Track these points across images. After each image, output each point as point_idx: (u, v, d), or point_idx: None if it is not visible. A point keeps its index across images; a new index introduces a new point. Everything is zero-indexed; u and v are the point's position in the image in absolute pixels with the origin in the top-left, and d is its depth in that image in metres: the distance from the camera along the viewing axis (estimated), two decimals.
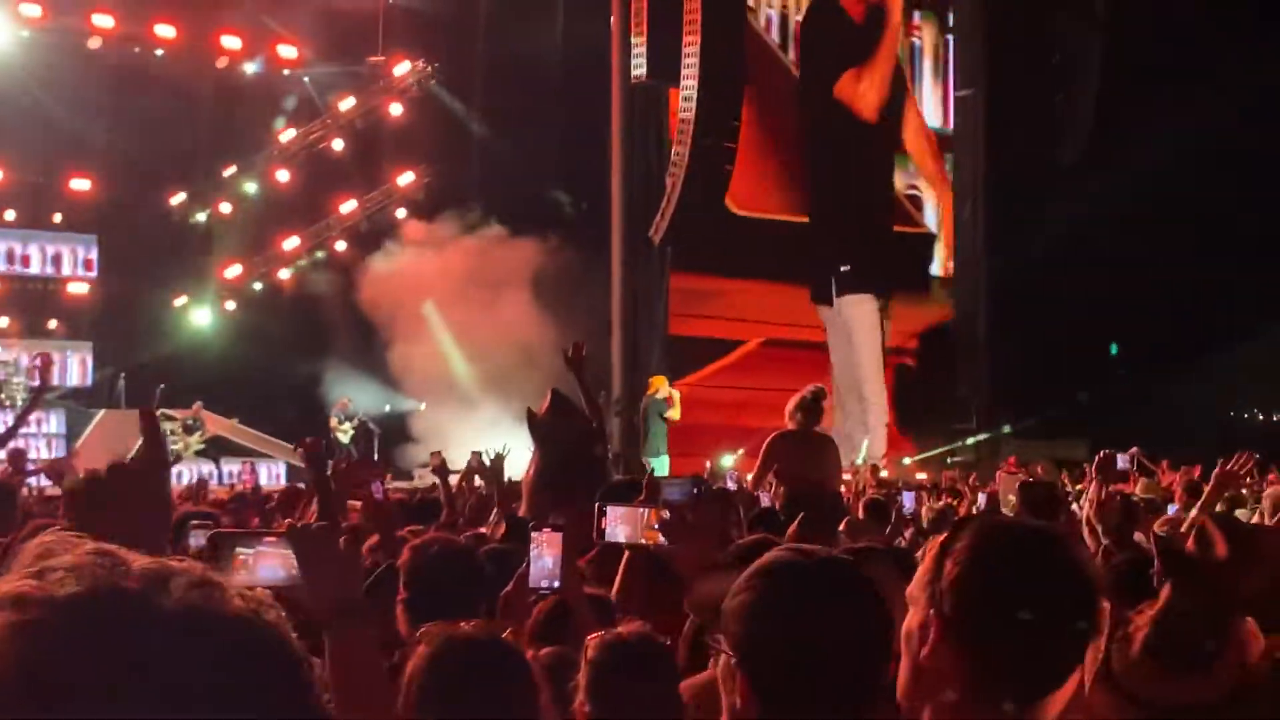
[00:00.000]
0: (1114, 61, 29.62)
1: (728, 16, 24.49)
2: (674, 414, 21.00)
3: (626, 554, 4.36)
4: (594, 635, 3.33)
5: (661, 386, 21.40)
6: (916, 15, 29.29)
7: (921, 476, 20.86)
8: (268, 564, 2.77)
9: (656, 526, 3.51)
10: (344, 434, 22.03)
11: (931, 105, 29.93)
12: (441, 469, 8.63)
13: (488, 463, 7.83)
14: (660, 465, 18.45)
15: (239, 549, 2.82)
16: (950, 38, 30.24)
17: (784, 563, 2.13)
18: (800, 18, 26.80)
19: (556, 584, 3.87)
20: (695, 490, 5.02)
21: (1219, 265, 30.20)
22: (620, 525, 3.65)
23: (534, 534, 3.95)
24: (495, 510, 7.70)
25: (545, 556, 3.88)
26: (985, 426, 28.77)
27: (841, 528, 7.05)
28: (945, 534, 2.07)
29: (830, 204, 26.26)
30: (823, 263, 26.10)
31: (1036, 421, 27.94)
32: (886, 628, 2.10)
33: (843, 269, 25.99)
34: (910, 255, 28.30)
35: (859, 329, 26.00)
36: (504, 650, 3.02)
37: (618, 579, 4.40)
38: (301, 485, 10.62)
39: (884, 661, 2.08)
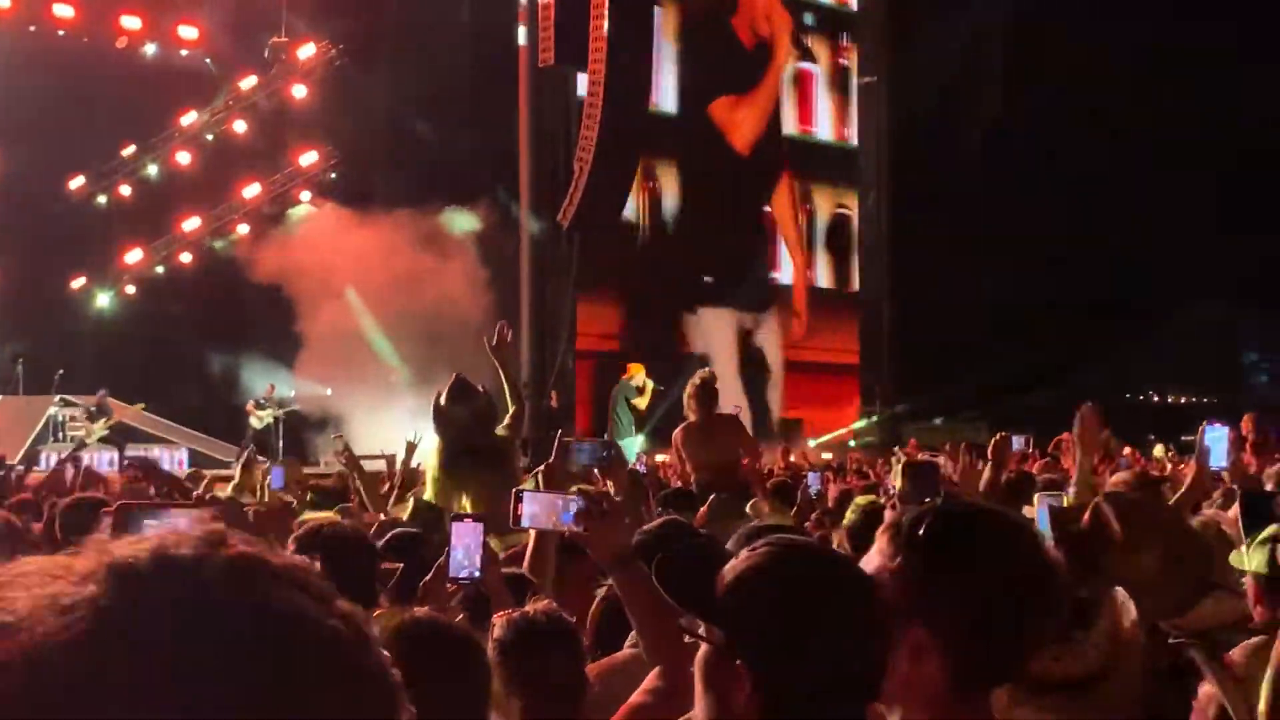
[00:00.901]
0: (1017, 50, 29.99)
1: (636, 5, 24.48)
2: (641, 402, 21.04)
3: (534, 534, 4.38)
4: (500, 614, 3.35)
5: (637, 375, 21.46)
6: (806, 64, 29.58)
7: (827, 457, 21.06)
8: None
9: (573, 514, 3.51)
10: (259, 420, 21.77)
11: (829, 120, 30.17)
12: (347, 454, 8.58)
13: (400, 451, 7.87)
14: (629, 447, 18.46)
15: (146, 522, 2.78)
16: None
17: (789, 554, 2.05)
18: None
19: (476, 573, 3.88)
20: (605, 454, 5.00)
21: (1118, 251, 30.77)
22: (536, 512, 3.65)
23: (454, 524, 3.94)
24: (395, 494, 7.72)
25: (464, 546, 3.88)
26: (889, 409, 29.11)
27: (749, 509, 7.14)
28: (892, 530, 2.07)
29: (697, 217, 26.51)
30: (688, 271, 26.37)
31: (938, 404, 28.33)
32: (879, 622, 2.04)
33: (705, 279, 26.16)
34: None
35: (715, 341, 26.13)
36: (458, 636, 3.01)
37: (526, 559, 4.42)
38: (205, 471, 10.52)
39: (881, 656, 2.02)
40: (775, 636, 1.97)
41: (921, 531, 2.03)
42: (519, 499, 3.67)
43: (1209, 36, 30.81)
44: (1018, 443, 9.68)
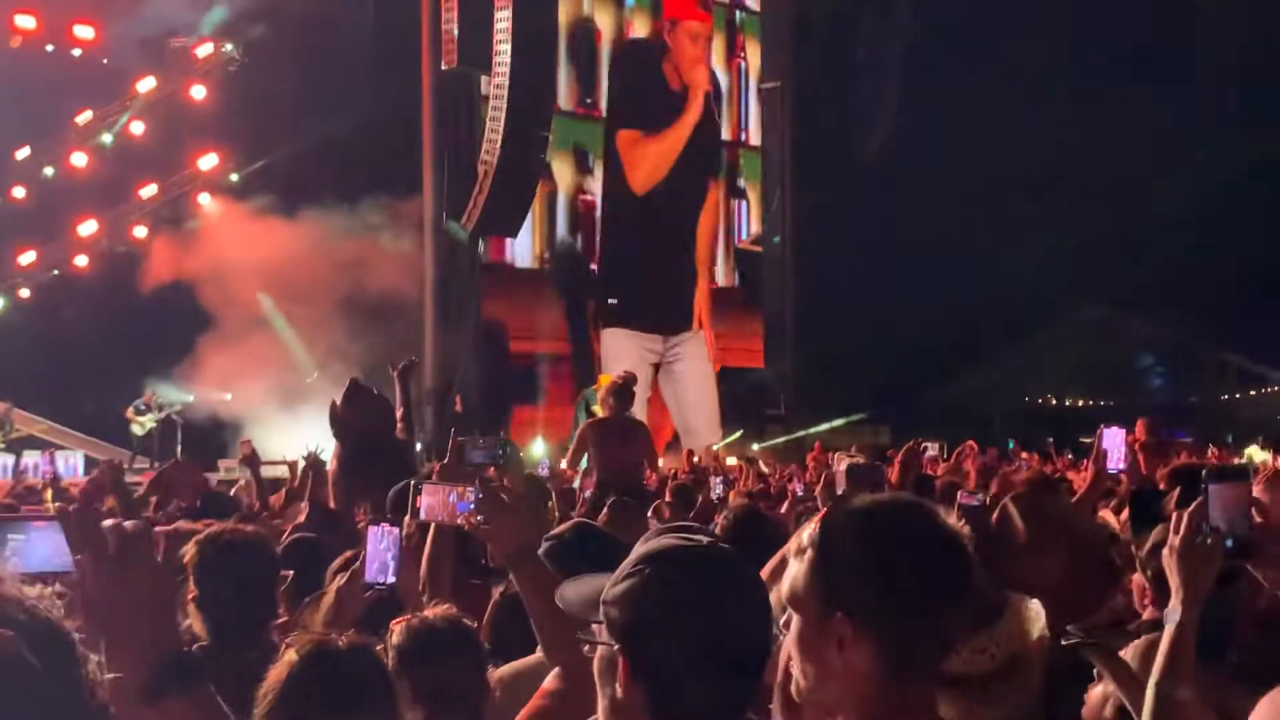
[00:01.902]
0: (916, 56, 30.39)
1: (539, 3, 24.43)
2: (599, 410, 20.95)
3: (430, 539, 4.34)
4: (398, 620, 3.30)
5: (605, 385, 21.31)
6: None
7: (732, 462, 21.12)
8: (40, 549, 2.67)
9: (470, 505, 3.47)
10: (140, 426, 21.43)
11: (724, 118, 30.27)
12: (251, 459, 8.47)
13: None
14: None
15: (9, 535, 2.71)
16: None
17: (670, 548, 2.09)
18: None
19: (391, 579, 3.84)
20: (500, 452, 4.97)
21: (1016, 258, 31.23)
22: (434, 504, 3.61)
23: (370, 529, 3.89)
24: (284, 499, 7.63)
25: (382, 552, 3.84)
26: (793, 414, 29.30)
27: (650, 514, 7.15)
28: (811, 533, 2.09)
29: (609, 239, 26.70)
30: (598, 290, 26.56)
31: (842, 408, 28.57)
32: (769, 616, 2.10)
33: (610, 301, 26.24)
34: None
35: (616, 362, 25.99)
36: (375, 664, 2.94)
37: (423, 565, 4.38)
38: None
39: (767, 649, 2.09)
40: (644, 628, 2.02)
41: (826, 524, 2.07)
42: (418, 491, 3.64)
43: (1093, 47, 31.47)
44: (932, 449, 9.83)
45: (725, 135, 29.81)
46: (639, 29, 27.76)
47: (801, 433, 27.64)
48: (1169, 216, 33.08)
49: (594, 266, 26.87)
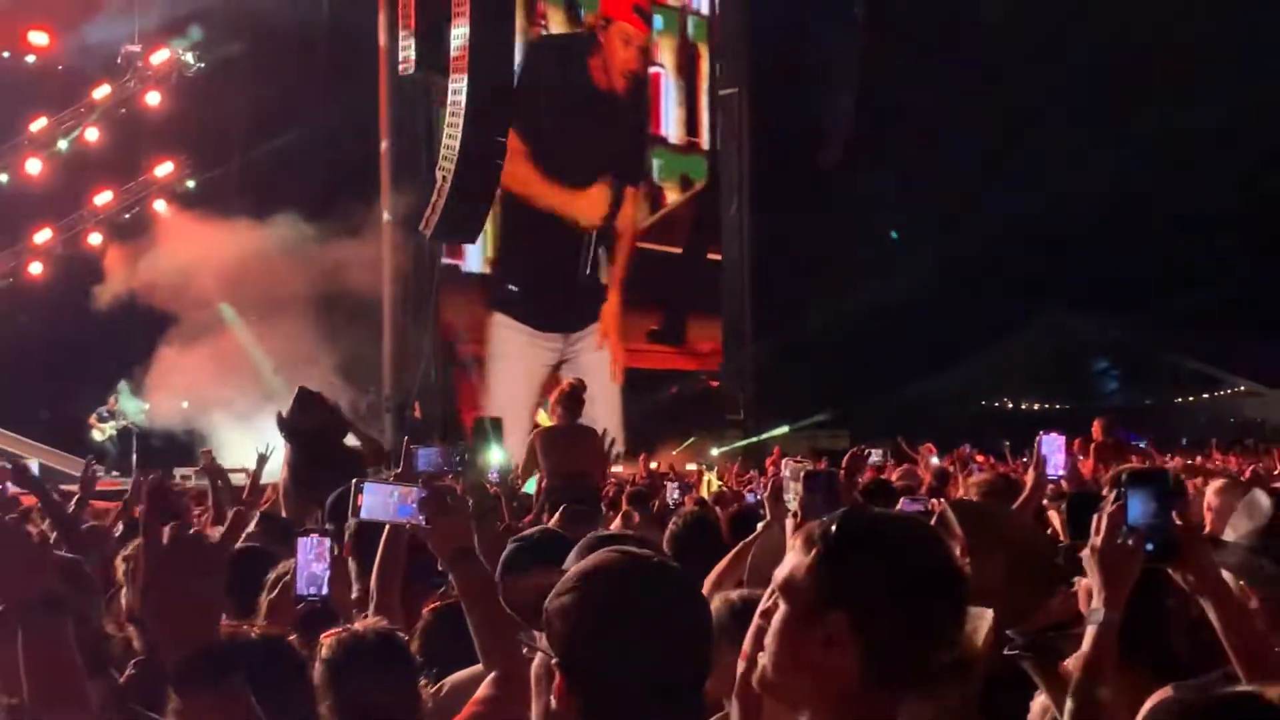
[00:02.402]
0: (873, 66, 30.54)
1: (497, 7, 24.39)
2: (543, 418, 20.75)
3: (382, 547, 4.32)
4: (328, 633, 3.28)
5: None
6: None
7: (691, 467, 21.13)
8: None
9: (413, 505, 3.43)
10: (100, 433, 21.30)
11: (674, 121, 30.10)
12: (211, 468, 8.43)
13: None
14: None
15: None
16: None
17: (611, 565, 2.10)
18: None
19: (325, 590, 3.81)
20: (459, 459, 4.92)
21: (974, 265, 31.43)
22: (374, 504, 3.56)
23: (300, 540, 3.84)
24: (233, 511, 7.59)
25: (312, 563, 3.80)
26: (752, 419, 29.36)
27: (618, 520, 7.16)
28: (820, 530, 2.12)
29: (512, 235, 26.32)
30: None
31: (800, 413, 28.65)
32: (710, 633, 2.12)
33: (510, 287, 25.85)
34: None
35: (504, 359, 25.74)
36: (286, 649, 2.93)
37: (373, 575, 4.38)
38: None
39: (707, 666, 2.09)
40: (583, 642, 2.02)
41: (845, 524, 2.10)
42: (359, 490, 3.56)
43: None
44: (875, 455, 9.89)
45: (675, 139, 29.77)
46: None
47: (758, 438, 27.74)
48: (1123, 221, 33.40)
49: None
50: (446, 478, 4.69)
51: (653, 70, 29.16)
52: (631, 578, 2.08)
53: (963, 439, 25.95)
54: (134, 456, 21.20)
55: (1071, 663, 3.05)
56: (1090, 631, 2.70)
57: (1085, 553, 2.75)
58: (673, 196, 29.74)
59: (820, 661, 2.01)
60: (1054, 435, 5.74)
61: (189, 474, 18.97)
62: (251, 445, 8.61)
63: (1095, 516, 2.76)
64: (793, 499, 6.23)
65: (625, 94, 27.63)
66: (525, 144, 25.93)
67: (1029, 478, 5.89)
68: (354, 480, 3.62)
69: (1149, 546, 2.69)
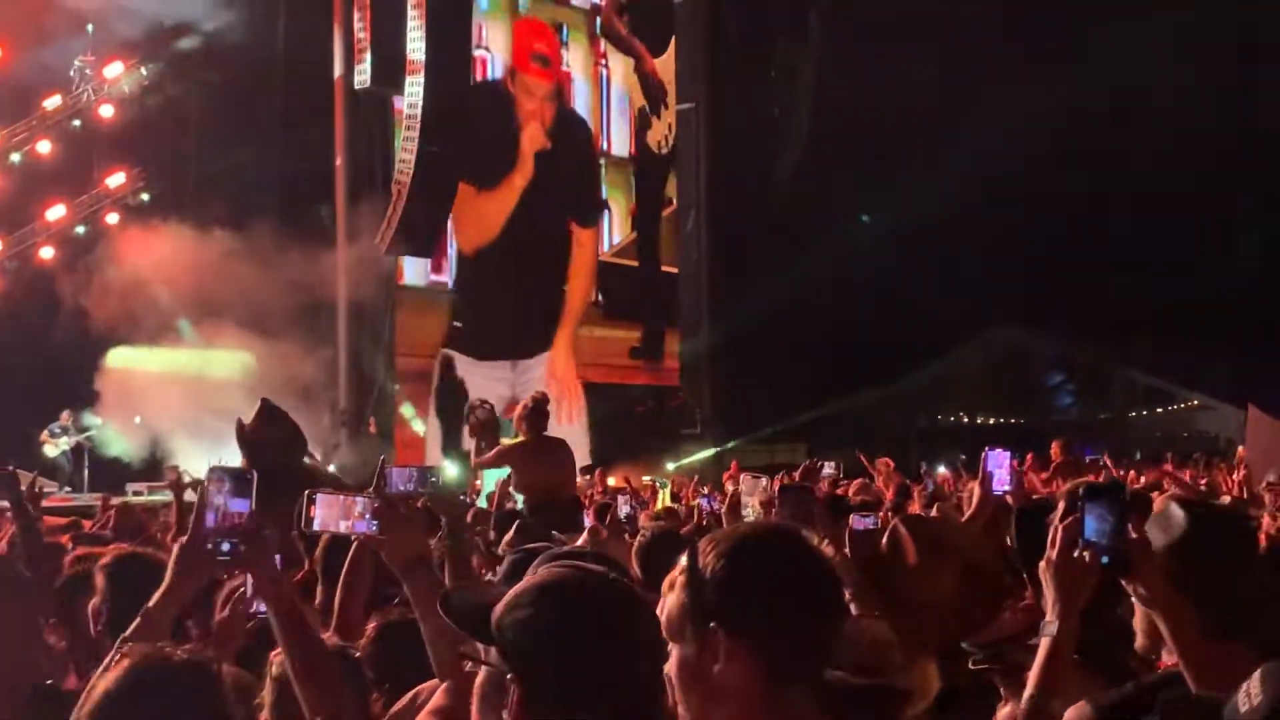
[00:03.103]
0: (828, 79, 30.70)
1: (453, 22, 24.38)
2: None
3: (348, 565, 4.28)
4: (278, 650, 3.21)
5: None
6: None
7: (647, 480, 21.13)
8: None
9: (365, 515, 3.38)
10: (54, 449, 21.10)
11: (621, 134, 30.00)
12: (177, 484, 8.34)
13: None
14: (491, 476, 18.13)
15: None
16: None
17: (566, 579, 2.14)
18: None
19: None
20: (432, 479, 4.87)
21: (930, 279, 31.61)
22: (326, 516, 3.50)
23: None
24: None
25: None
26: (709, 433, 29.41)
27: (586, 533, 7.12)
28: (683, 565, 2.15)
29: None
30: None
31: (758, 426, 28.72)
32: (662, 646, 2.13)
33: (455, 324, 25.32)
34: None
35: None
36: (209, 675, 2.84)
37: (338, 591, 4.33)
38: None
39: (660, 679, 2.11)
40: (541, 658, 2.05)
41: (709, 545, 2.15)
42: (310, 501, 3.50)
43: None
44: (829, 468, 9.99)
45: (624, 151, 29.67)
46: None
47: (714, 451, 27.79)
48: (1077, 238, 33.67)
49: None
50: (420, 499, 4.64)
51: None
52: (586, 592, 2.11)
53: (917, 452, 26.22)
54: (85, 473, 21.03)
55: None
56: (1043, 644, 2.71)
57: (1041, 565, 2.76)
58: (620, 210, 29.82)
59: (720, 681, 2.05)
60: (999, 451, 5.85)
61: (141, 489, 18.84)
62: (206, 460, 8.53)
63: (1051, 530, 2.77)
64: (750, 512, 6.23)
65: (527, 151, 26.73)
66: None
67: (975, 492, 5.95)
68: (305, 491, 3.55)
69: (1104, 560, 2.70)
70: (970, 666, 3.09)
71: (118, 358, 21.50)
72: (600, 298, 28.75)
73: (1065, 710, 2.53)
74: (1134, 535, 2.72)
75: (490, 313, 25.27)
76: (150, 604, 2.96)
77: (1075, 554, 2.71)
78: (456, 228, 25.51)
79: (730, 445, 28.03)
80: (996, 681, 3.03)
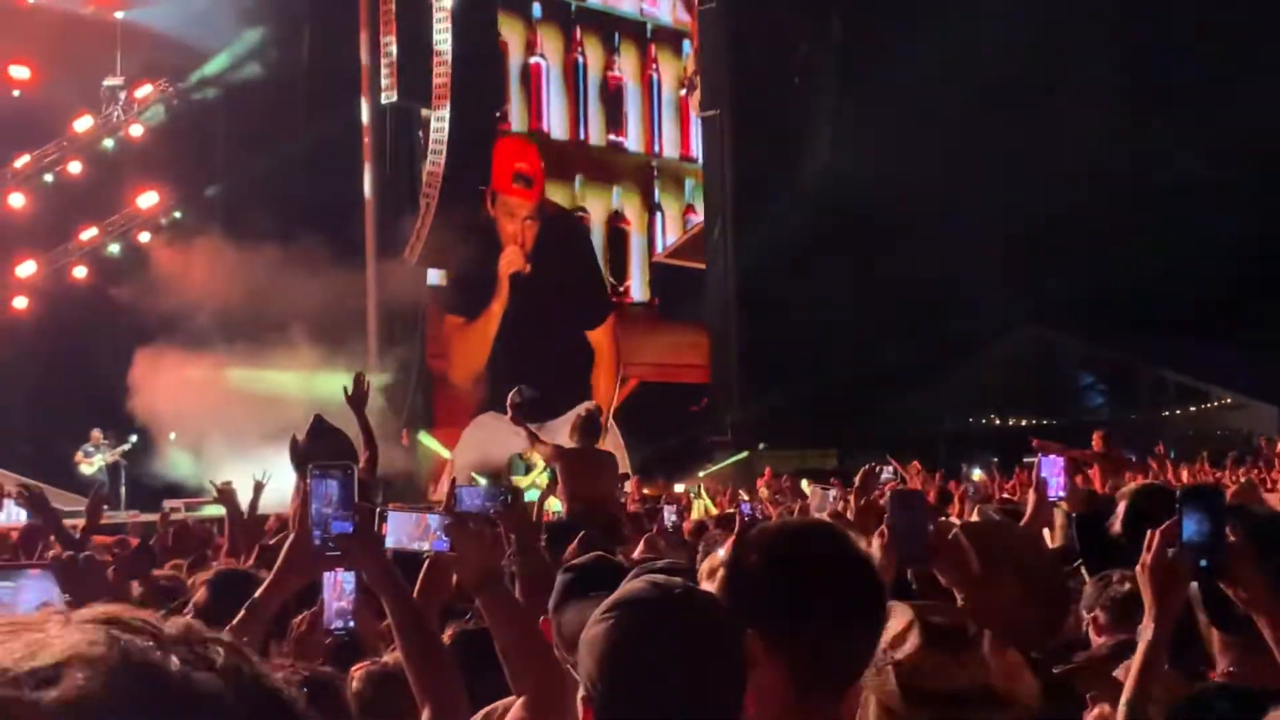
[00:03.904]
0: (851, 83, 30.69)
1: (479, 35, 24.47)
2: (522, 480, 20.37)
3: (425, 570, 4.30)
4: (358, 666, 3.25)
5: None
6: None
7: (679, 489, 21.11)
8: (30, 596, 2.66)
9: (437, 532, 3.42)
10: (89, 467, 21.18)
11: (671, 137, 30.46)
12: (230, 498, 8.35)
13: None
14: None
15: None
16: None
17: (637, 595, 2.06)
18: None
19: (351, 623, 3.77)
20: (504, 498, 4.83)
21: (960, 280, 31.48)
22: (399, 531, 3.54)
23: (325, 574, 3.70)
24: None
25: (338, 594, 3.76)
26: (739, 439, 29.37)
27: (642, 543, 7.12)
28: (724, 555, 2.12)
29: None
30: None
31: (788, 433, 28.66)
32: (741, 659, 2.06)
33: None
34: None
35: (477, 447, 24.43)
36: (332, 690, 2.89)
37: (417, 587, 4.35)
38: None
39: (739, 693, 2.03)
40: (618, 674, 1.99)
41: (754, 543, 2.13)
42: (383, 518, 3.55)
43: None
44: (886, 473, 9.90)
45: (638, 148, 29.98)
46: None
47: (744, 455, 27.74)
48: (1109, 237, 33.53)
49: None
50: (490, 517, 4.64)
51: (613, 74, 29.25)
52: (659, 608, 2.04)
53: (949, 455, 26.13)
54: (122, 490, 21.11)
55: (1122, 674, 3.06)
56: (1139, 648, 2.70)
57: (1137, 569, 2.74)
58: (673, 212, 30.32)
59: (757, 682, 2.00)
60: (1053, 458, 5.77)
61: (179, 506, 18.90)
62: (241, 476, 8.54)
63: (1149, 533, 2.75)
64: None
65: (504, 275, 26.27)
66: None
67: (1030, 499, 5.91)
68: (377, 507, 3.59)
69: (1202, 563, 2.69)
70: (1056, 672, 3.08)
71: (151, 375, 21.56)
72: (656, 299, 29.40)
73: (1159, 714, 2.52)
74: (1232, 539, 2.70)
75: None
76: (255, 597, 3.03)
77: (1171, 557, 2.69)
78: (449, 363, 25.39)
79: (762, 453, 28.00)
80: (1084, 682, 3.01)
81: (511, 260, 26.03)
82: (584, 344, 27.62)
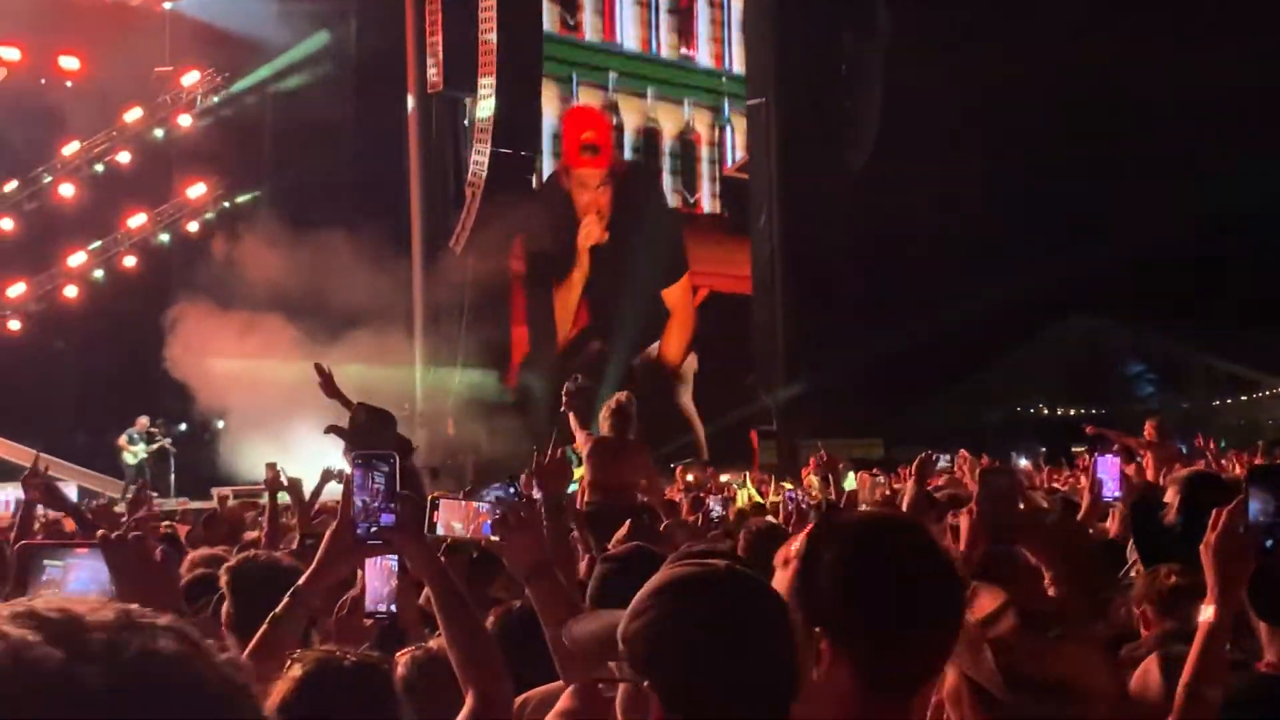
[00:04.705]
0: (896, 71, 30.55)
1: (523, 23, 24.45)
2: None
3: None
4: (403, 652, 3.26)
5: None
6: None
7: (725, 479, 21.04)
8: (79, 575, 2.66)
9: (488, 524, 3.43)
10: (132, 455, 21.25)
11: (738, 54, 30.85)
12: (274, 483, 8.36)
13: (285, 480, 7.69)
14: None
15: (46, 562, 2.70)
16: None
17: (680, 577, 2.01)
18: None
19: (393, 607, 3.77)
20: (512, 491, 4.87)
21: (1006, 268, 31.31)
22: (452, 520, 3.56)
23: (366, 560, 3.73)
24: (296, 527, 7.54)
25: (378, 580, 3.78)
26: (785, 429, 29.28)
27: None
28: (798, 546, 2.06)
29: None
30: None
31: (834, 423, 28.54)
32: (794, 636, 2.01)
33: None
34: None
35: None
36: (380, 674, 2.90)
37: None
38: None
39: (795, 669, 1.98)
40: (671, 660, 1.95)
41: (829, 537, 2.05)
42: (434, 506, 3.59)
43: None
44: (943, 460, 9.79)
45: (709, 62, 30.33)
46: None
47: (790, 448, 27.62)
48: (1155, 228, 33.25)
49: None
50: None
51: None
52: (703, 586, 2.00)
53: (996, 444, 25.97)
54: (171, 477, 21.25)
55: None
56: (1200, 630, 2.63)
57: (1201, 548, 2.67)
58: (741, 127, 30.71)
59: (818, 685, 1.96)
60: (1109, 457, 5.69)
61: (227, 493, 19.03)
62: (287, 464, 8.55)
63: (1214, 512, 2.69)
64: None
65: (584, 246, 27.09)
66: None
67: (1084, 499, 5.83)
68: (430, 497, 3.62)
69: (1268, 544, 2.62)
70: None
71: (198, 363, 21.67)
72: (726, 212, 30.20)
73: (1218, 698, 2.47)
74: None
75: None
76: (300, 584, 3.05)
77: (1237, 537, 2.62)
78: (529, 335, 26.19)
79: (805, 441, 27.89)
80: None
81: (589, 232, 26.64)
82: (659, 305, 28.15)
